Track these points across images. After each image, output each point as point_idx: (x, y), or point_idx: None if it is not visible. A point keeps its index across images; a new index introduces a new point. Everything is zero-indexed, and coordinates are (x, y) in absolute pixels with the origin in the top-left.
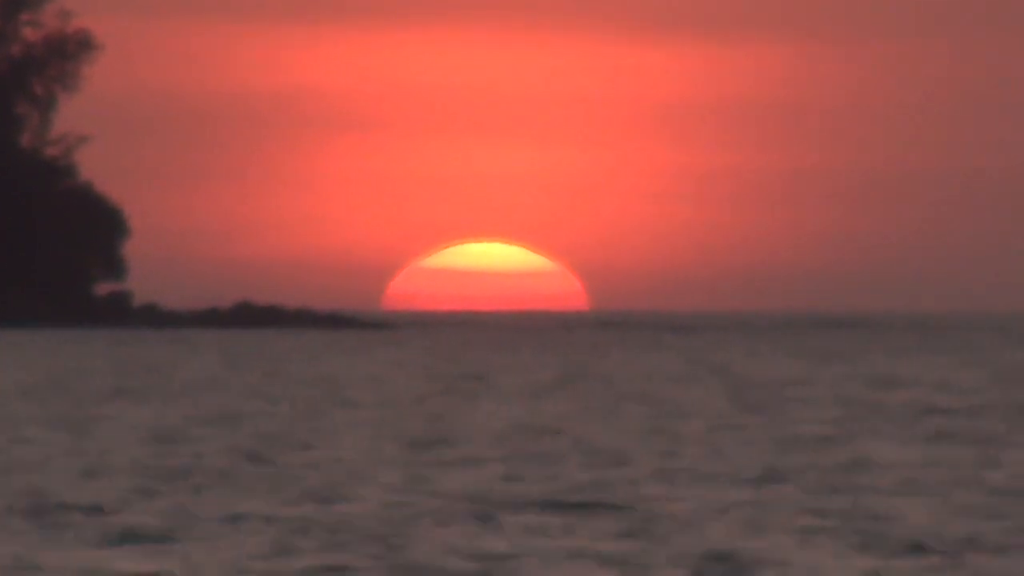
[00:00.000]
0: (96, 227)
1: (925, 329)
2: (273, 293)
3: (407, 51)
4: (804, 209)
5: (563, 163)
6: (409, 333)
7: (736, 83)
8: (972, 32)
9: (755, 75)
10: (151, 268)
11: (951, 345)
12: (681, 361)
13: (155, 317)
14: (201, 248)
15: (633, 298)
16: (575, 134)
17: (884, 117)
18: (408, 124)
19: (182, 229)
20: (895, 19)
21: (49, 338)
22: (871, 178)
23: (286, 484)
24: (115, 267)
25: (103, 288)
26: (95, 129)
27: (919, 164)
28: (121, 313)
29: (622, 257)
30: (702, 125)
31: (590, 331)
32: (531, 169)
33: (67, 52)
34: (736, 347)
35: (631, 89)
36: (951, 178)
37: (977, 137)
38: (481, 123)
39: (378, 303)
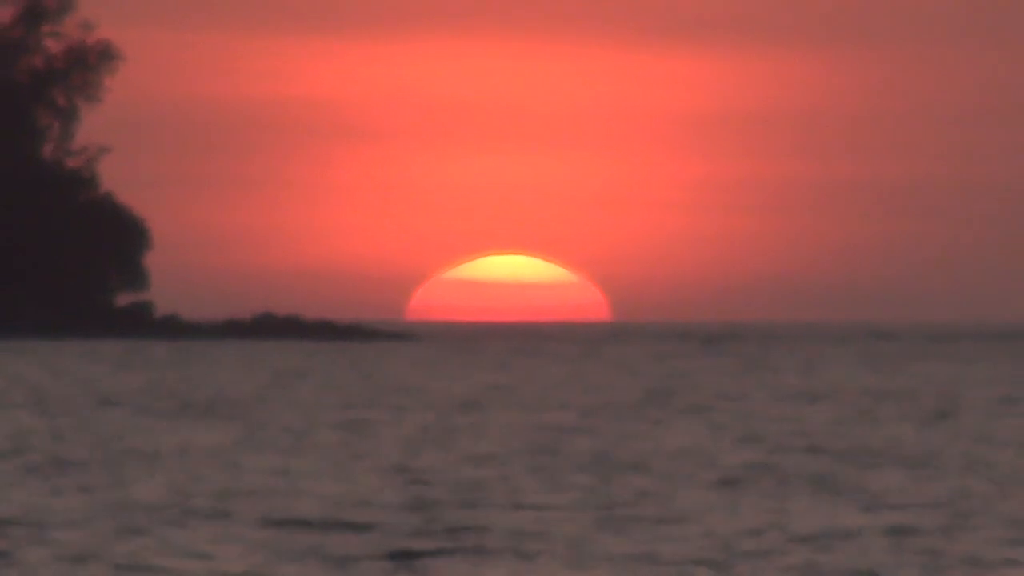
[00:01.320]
0: (117, 238)
1: (949, 340)
2: (295, 304)
3: (432, 62)
4: (831, 219)
5: (586, 174)
6: (421, 344)
7: (761, 93)
8: (1007, 40)
9: (781, 85)
10: (172, 279)
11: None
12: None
13: (176, 328)
14: (223, 259)
15: (656, 309)
16: (598, 145)
17: (913, 127)
18: (432, 136)
19: (204, 240)
20: (925, 28)
21: (66, 349)
22: (900, 188)
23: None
24: (136, 278)
25: (124, 299)
26: (117, 140)
27: (949, 174)
28: (142, 324)
29: (645, 268)
30: (726, 135)
31: (600, 342)
32: (554, 180)
33: (88, 63)
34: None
35: (654, 99)
36: (982, 188)
37: (1012, 147)
38: (504, 134)
39: (401, 315)
